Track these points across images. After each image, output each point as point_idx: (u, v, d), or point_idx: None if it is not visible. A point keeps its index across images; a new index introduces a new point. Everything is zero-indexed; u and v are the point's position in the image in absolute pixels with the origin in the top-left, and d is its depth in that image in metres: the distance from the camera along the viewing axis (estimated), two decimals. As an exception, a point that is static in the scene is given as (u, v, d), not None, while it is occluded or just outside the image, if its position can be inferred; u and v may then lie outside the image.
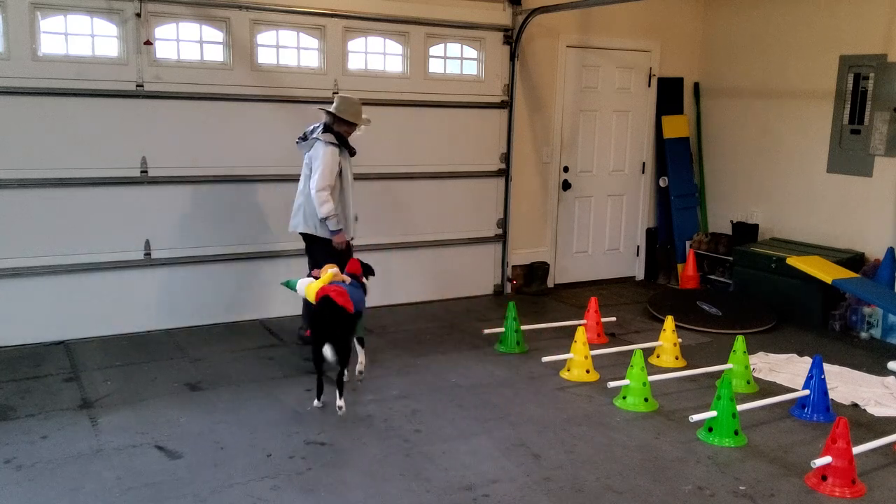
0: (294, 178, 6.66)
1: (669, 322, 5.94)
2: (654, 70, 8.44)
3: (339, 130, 5.57)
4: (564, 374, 5.54)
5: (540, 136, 7.87)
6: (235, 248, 6.53)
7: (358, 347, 5.26)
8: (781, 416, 4.93)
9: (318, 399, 4.87)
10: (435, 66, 7.25)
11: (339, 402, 4.70)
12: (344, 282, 4.95)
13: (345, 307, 4.66)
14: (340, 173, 5.58)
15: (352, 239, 5.86)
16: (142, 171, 6.09)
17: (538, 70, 7.75)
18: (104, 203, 6.00)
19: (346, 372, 4.78)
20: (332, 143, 5.50)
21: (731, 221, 8.27)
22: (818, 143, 7.57)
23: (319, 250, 5.65)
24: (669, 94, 8.58)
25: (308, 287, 4.85)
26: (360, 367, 5.25)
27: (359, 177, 6.92)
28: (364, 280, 5.28)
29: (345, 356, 4.71)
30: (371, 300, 6.86)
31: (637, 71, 8.36)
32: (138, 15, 5.87)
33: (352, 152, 5.72)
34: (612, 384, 5.09)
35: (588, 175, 8.30)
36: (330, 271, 4.91)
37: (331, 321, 4.66)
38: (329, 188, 5.46)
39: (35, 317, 5.87)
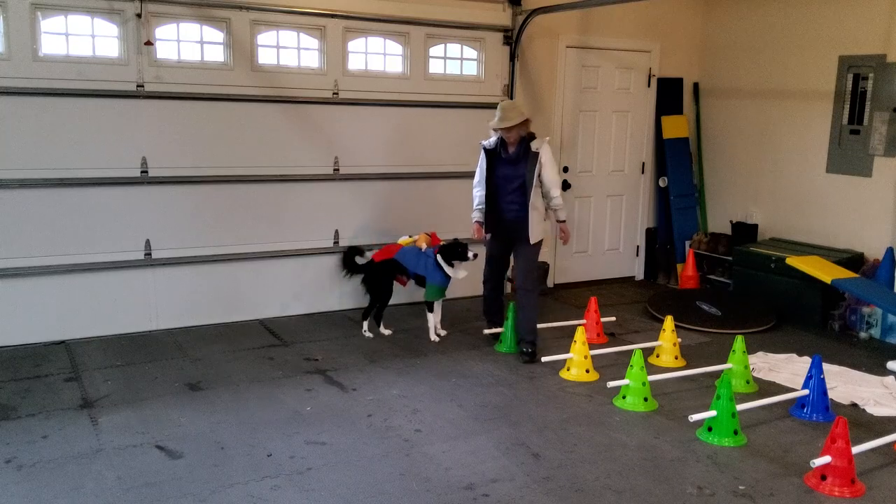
0: (293, 179, 6.72)
1: (669, 322, 5.94)
2: (653, 70, 8.44)
3: (501, 136, 5.79)
4: (564, 374, 5.54)
5: (540, 136, 7.85)
6: (235, 248, 6.54)
7: (427, 312, 6.31)
8: (781, 415, 4.94)
9: (379, 327, 6.36)
10: (435, 67, 7.26)
11: (379, 330, 6.37)
12: (420, 249, 6.18)
13: (373, 258, 6.26)
14: (489, 173, 5.83)
15: (486, 234, 6.04)
16: (142, 172, 6.09)
17: (538, 70, 7.76)
18: (104, 203, 6.01)
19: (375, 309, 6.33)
20: (482, 145, 5.91)
21: (731, 221, 8.28)
22: (818, 144, 7.57)
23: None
24: (669, 95, 8.59)
25: (402, 241, 6.36)
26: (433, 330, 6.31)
27: (359, 177, 6.97)
28: (437, 255, 6.12)
29: (372, 294, 6.29)
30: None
31: (637, 71, 8.37)
32: (139, 15, 5.87)
33: (512, 156, 5.77)
34: (611, 384, 5.10)
35: (588, 175, 8.30)
36: (415, 237, 6.31)
37: (366, 265, 6.31)
38: (475, 185, 5.96)
39: (35, 317, 5.88)
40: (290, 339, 6.24)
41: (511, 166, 5.78)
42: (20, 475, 3.92)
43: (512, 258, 6.09)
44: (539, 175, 5.69)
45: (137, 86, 5.98)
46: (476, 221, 5.94)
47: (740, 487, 4.01)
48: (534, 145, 5.74)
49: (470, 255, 6.07)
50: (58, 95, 5.73)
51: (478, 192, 5.91)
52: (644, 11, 8.09)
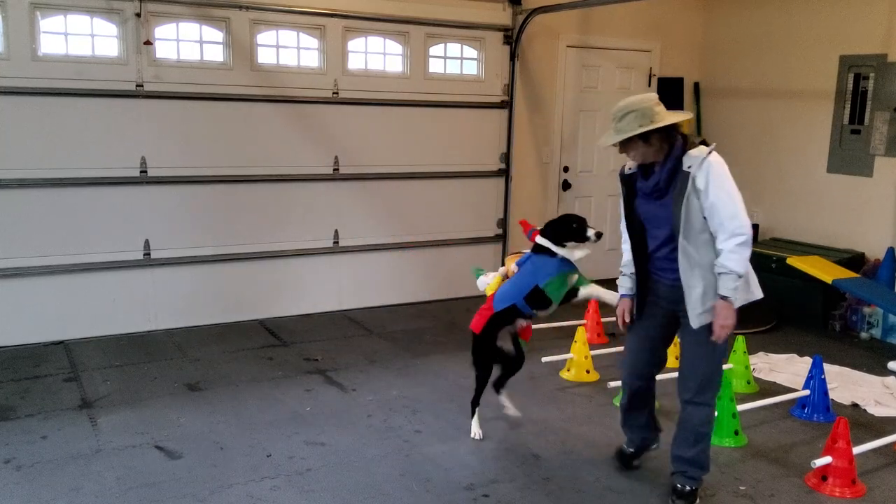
0: (293, 178, 6.70)
1: (669, 322, 5.92)
2: (654, 70, 8.44)
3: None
4: (564, 374, 5.53)
5: (540, 136, 7.87)
6: (235, 248, 6.53)
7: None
8: (782, 416, 4.93)
9: (475, 427, 4.55)
10: (435, 66, 7.25)
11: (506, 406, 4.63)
12: (509, 274, 4.65)
13: (472, 329, 4.51)
14: (632, 214, 3.69)
15: (630, 317, 3.79)
16: (141, 171, 6.08)
17: (538, 70, 7.75)
18: (104, 203, 5.99)
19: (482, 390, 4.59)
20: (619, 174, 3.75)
21: (732, 221, 8.26)
22: (818, 143, 7.56)
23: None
24: (670, 94, 8.56)
25: (486, 288, 4.88)
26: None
27: (359, 176, 6.96)
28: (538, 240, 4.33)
29: (478, 370, 4.57)
30: (371, 300, 6.91)
31: (637, 71, 8.36)
32: (138, 15, 5.86)
33: (651, 185, 3.53)
34: (612, 384, 5.08)
35: (588, 175, 8.29)
36: (496, 274, 4.83)
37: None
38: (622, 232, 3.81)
39: (35, 317, 5.87)
40: (289, 339, 6.23)
41: (655, 201, 3.54)
42: (19, 475, 3.91)
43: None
44: (703, 210, 3.43)
45: (137, 85, 5.97)
46: (621, 295, 3.81)
47: (741, 488, 4.00)
48: (686, 162, 3.42)
49: (590, 233, 4.23)
50: (57, 95, 5.72)
51: (624, 247, 3.79)
52: (644, 11, 8.08)
